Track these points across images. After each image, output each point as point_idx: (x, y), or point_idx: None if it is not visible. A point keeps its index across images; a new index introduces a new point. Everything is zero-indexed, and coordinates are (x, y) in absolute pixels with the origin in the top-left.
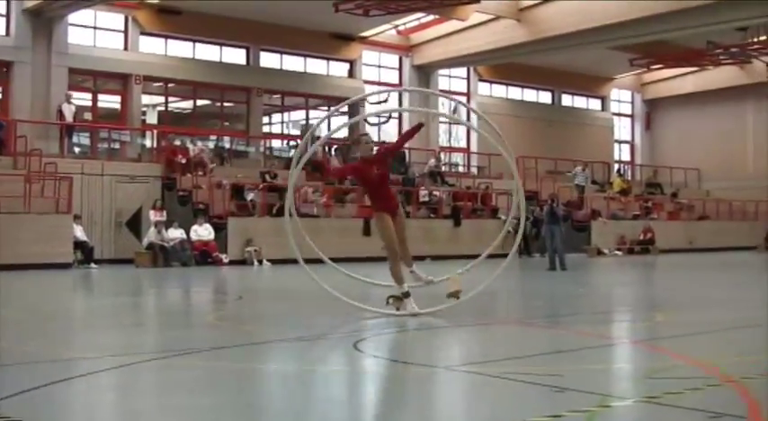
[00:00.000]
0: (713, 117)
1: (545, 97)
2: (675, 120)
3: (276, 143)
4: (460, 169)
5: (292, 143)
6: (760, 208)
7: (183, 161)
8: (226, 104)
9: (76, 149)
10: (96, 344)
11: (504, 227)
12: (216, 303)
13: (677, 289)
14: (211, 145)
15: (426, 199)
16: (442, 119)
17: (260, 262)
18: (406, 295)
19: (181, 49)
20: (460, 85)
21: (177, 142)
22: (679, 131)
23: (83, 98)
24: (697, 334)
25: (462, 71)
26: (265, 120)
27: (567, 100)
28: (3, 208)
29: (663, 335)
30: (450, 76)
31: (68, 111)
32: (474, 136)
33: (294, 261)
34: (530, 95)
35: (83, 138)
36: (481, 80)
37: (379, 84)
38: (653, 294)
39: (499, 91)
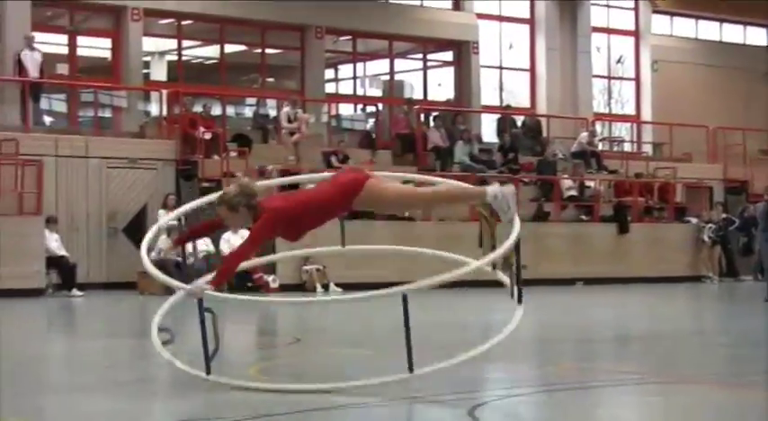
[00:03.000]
0: None
1: (756, 37)
2: None
3: (346, 109)
4: (626, 147)
5: (370, 109)
6: None
7: (208, 136)
8: (269, 51)
9: (47, 120)
10: (82, 412)
11: (697, 234)
12: (259, 349)
13: None
14: (249, 112)
15: (574, 193)
16: (596, 70)
17: (325, 287)
18: None
19: None
20: (624, 21)
21: (198, 108)
22: None
23: (54, 42)
24: None
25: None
26: (329, 74)
27: None
28: None
29: None
30: (608, 7)
31: (31, 63)
32: (647, 98)
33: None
34: (732, 34)
35: (56, 103)
36: (657, 11)
37: (500, 19)
38: None
39: (685, 27)
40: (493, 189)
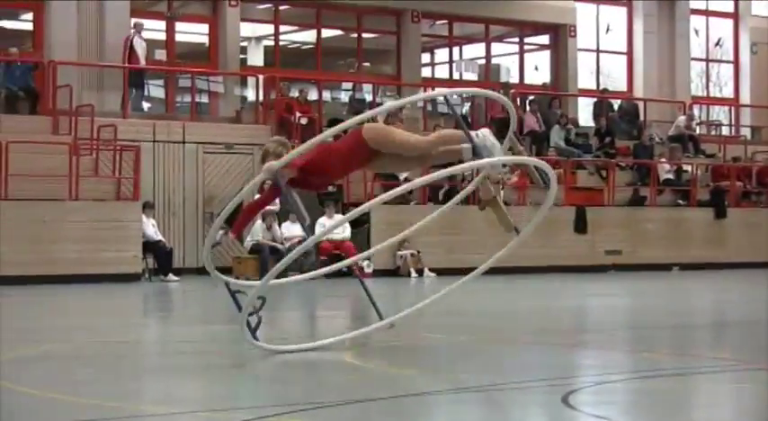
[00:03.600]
0: None
1: None
2: None
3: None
4: (724, 131)
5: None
6: None
7: (305, 121)
8: (366, 36)
9: (145, 106)
10: (182, 396)
11: None
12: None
13: None
14: (345, 96)
15: (671, 176)
16: (694, 53)
17: (419, 272)
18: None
19: None
20: (723, 3)
21: (294, 93)
22: None
23: (152, 28)
24: None
25: None
26: (425, 58)
27: None
28: (37, 192)
29: None
30: None
31: (140, 49)
32: (746, 81)
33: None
34: None
35: (153, 89)
36: None
37: (598, 2)
38: None
39: None
40: (468, 147)
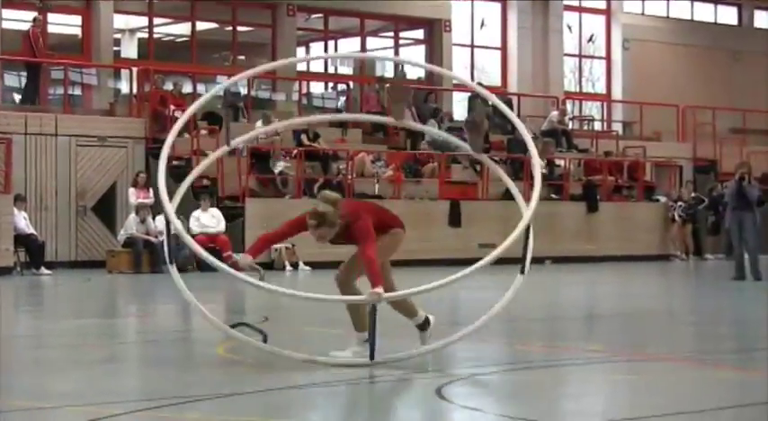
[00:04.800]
0: None
1: (728, 15)
2: None
3: (317, 87)
4: (597, 126)
5: (341, 87)
6: None
7: (179, 114)
8: (240, 29)
9: (16, 97)
10: (54, 390)
11: (666, 213)
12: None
13: None
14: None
15: (545, 171)
16: (567, 49)
17: (294, 265)
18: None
19: None
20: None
21: (168, 86)
22: None
23: (22, 19)
24: None
25: None
26: (301, 52)
27: (762, 20)
28: None
29: None
30: None
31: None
32: (618, 76)
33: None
34: (703, 13)
35: (24, 80)
36: None
37: None
38: None
39: (655, 7)
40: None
